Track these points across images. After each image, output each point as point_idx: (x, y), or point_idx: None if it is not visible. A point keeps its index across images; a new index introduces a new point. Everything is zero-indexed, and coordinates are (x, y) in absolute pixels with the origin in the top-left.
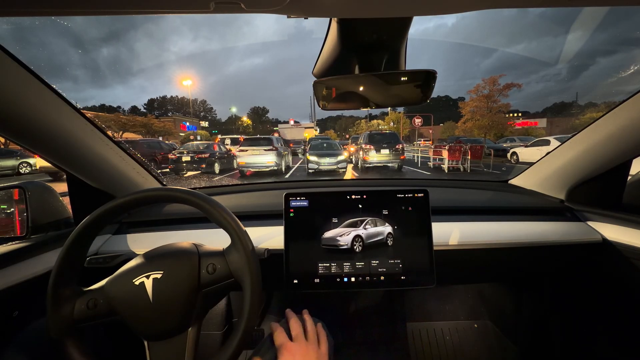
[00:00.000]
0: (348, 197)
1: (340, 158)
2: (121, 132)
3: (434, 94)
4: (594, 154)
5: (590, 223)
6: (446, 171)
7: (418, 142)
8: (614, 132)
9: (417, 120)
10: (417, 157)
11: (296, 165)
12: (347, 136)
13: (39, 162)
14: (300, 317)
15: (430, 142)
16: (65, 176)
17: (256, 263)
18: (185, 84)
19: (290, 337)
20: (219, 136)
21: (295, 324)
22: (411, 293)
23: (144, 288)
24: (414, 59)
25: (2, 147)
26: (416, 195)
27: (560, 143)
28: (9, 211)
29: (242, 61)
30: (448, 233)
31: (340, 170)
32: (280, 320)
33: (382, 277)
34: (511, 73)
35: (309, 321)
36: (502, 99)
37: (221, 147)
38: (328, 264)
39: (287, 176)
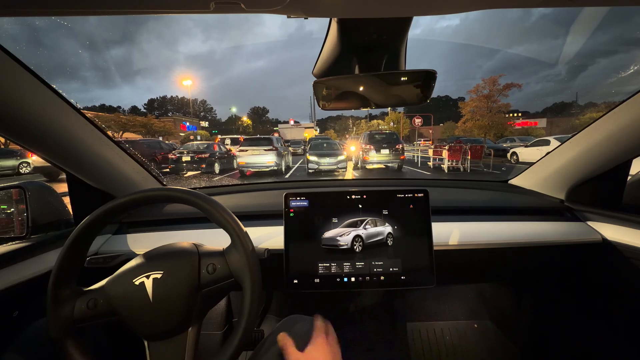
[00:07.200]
0: (348, 197)
1: (340, 158)
2: (121, 132)
3: (434, 94)
4: (594, 154)
5: (590, 223)
6: (446, 171)
7: (418, 142)
8: (614, 132)
9: (417, 120)
10: (417, 157)
11: (296, 165)
12: (347, 136)
13: (34, 162)
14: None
15: (430, 142)
16: (61, 176)
17: (256, 263)
18: (185, 84)
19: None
20: (219, 136)
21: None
22: (411, 293)
23: (144, 288)
24: (415, 59)
25: (2, 147)
26: (416, 195)
27: (560, 143)
28: (9, 211)
29: (243, 63)
30: (448, 233)
31: (340, 170)
32: (280, 321)
33: (382, 277)
34: (512, 73)
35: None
36: (502, 99)
37: (221, 147)
38: (328, 264)
39: (287, 176)
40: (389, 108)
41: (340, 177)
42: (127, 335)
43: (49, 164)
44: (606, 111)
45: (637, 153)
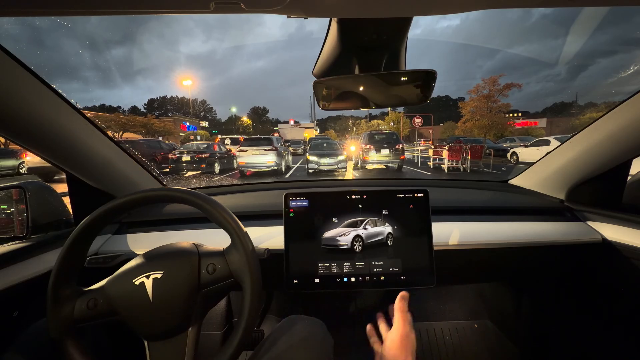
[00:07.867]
0: (348, 197)
1: (340, 158)
2: (121, 132)
3: (434, 94)
4: (594, 154)
5: (590, 223)
6: (446, 171)
7: (418, 142)
8: (614, 132)
9: (417, 120)
10: (417, 157)
11: (296, 165)
12: (347, 136)
13: (28, 162)
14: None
15: (430, 142)
16: (56, 177)
17: (256, 263)
18: (186, 84)
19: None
20: (219, 136)
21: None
22: (411, 293)
23: (144, 288)
24: (415, 59)
25: (2, 147)
26: (416, 195)
27: (560, 143)
28: (9, 211)
29: (243, 63)
30: (448, 233)
31: (340, 170)
32: (280, 321)
33: (382, 277)
34: (512, 73)
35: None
36: (502, 99)
37: (221, 147)
38: (328, 264)
39: (287, 176)
40: (389, 108)
41: (340, 177)
42: (127, 335)
43: (44, 165)
44: (606, 111)
45: (637, 153)
